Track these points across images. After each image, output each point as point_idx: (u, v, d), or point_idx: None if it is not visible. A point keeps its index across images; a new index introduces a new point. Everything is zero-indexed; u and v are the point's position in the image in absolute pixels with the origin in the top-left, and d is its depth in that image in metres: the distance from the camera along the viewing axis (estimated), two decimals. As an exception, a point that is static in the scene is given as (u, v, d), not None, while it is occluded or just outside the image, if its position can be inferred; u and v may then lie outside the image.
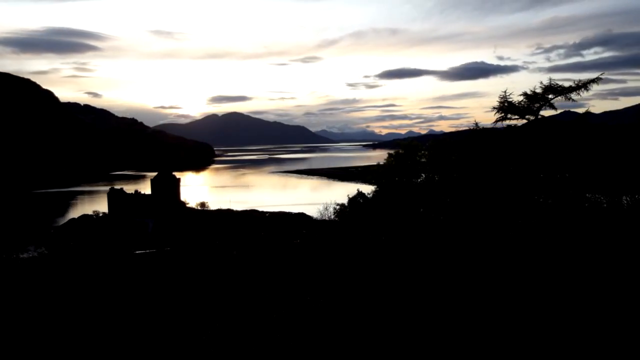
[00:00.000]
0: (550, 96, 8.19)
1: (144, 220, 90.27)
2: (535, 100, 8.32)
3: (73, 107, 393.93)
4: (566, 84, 7.89)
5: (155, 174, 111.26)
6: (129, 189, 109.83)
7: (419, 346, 7.09)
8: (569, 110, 9.56)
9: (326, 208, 24.15)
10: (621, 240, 7.30)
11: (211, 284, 18.28)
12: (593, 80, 7.63)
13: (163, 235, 76.03)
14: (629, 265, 7.02)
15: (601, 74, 7.53)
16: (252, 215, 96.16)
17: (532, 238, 8.27)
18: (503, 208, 9.01)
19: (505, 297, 7.49)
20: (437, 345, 6.95)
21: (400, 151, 12.68)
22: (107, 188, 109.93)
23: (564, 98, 8.13)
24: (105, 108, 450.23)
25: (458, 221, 9.92)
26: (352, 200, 15.84)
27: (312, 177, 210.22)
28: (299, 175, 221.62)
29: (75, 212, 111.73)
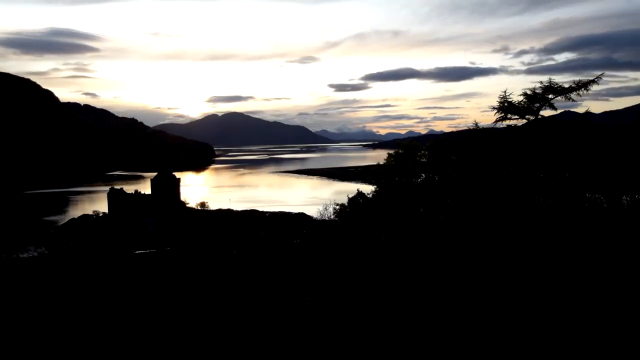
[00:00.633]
0: (550, 96, 8.18)
1: (144, 220, 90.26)
2: (535, 100, 8.31)
3: (73, 107, 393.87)
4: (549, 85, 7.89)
5: (151, 174, 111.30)
6: (129, 189, 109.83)
7: (419, 346, 7.09)
8: (569, 110, 9.56)
9: (326, 208, 24.16)
10: (621, 240, 7.29)
11: (211, 284, 18.28)
12: (593, 80, 7.63)
13: (163, 235, 76.03)
14: (629, 265, 7.02)
15: (601, 74, 7.53)
16: (252, 215, 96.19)
17: (532, 238, 8.26)
18: (503, 208, 9.01)
19: (506, 297, 7.49)
20: (438, 345, 6.95)
21: (400, 151, 12.68)
22: (107, 188, 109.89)
23: (563, 98, 8.13)
24: (105, 108, 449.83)
25: (458, 221, 9.92)
26: (352, 200, 15.84)
27: (312, 177, 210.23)
28: (298, 175, 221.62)
29: (75, 212, 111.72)
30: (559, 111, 8.47)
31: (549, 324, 6.52)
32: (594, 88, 7.53)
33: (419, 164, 12.10)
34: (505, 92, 8.64)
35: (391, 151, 13.45)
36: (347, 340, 7.61)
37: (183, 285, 19.35)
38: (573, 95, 7.94)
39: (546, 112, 8.47)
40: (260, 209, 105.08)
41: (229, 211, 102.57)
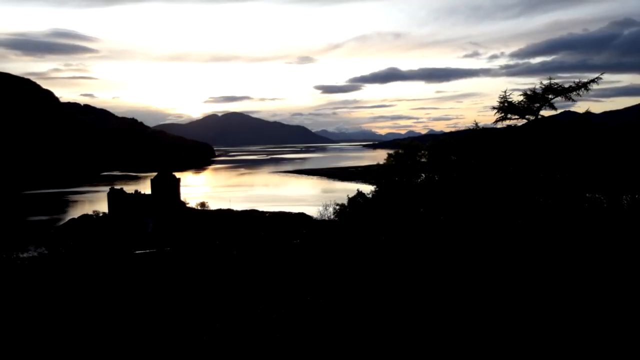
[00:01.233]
0: (550, 96, 8.18)
1: (144, 220, 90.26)
2: (535, 100, 8.31)
3: (73, 107, 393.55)
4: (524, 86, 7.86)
5: (149, 174, 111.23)
6: (129, 189, 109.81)
7: (419, 346, 7.09)
8: (569, 110, 9.56)
9: (326, 208, 24.14)
10: (621, 240, 7.29)
11: (211, 284, 18.27)
12: (593, 80, 7.62)
13: (163, 235, 76.02)
14: (629, 265, 7.02)
15: (601, 74, 7.53)
16: (252, 215, 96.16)
17: (532, 238, 8.26)
18: (503, 208, 9.01)
19: (506, 297, 7.49)
20: (437, 345, 6.95)
21: (400, 151, 12.68)
22: (107, 188, 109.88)
23: (563, 98, 8.13)
24: (107, 109, 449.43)
25: (458, 221, 9.91)
26: (352, 200, 15.83)
27: (312, 176, 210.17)
28: (298, 175, 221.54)
29: (75, 212, 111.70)
30: (559, 111, 8.47)
31: (549, 323, 6.52)
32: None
33: (419, 164, 12.10)
34: (505, 92, 8.64)
35: (391, 151, 13.44)
36: (347, 341, 7.61)
37: (183, 285, 19.35)
38: (573, 95, 7.93)
39: (546, 112, 8.47)
40: (260, 209, 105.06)
41: (229, 211, 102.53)
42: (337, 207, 17.49)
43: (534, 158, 8.49)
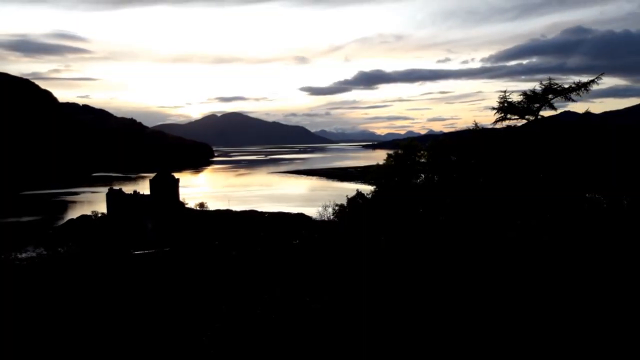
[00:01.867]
0: (550, 96, 8.17)
1: (142, 220, 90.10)
2: (534, 100, 8.30)
3: (71, 107, 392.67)
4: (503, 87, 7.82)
5: (146, 174, 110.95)
6: (128, 189, 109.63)
7: (418, 347, 7.07)
8: (569, 111, 9.55)
9: (325, 208, 24.12)
10: (621, 240, 7.28)
11: (210, 285, 18.24)
12: (593, 81, 7.61)
13: (162, 236, 75.90)
14: (629, 265, 7.01)
15: (601, 74, 7.52)
16: (251, 216, 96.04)
17: (531, 239, 8.25)
18: (503, 208, 8.99)
19: (506, 297, 7.47)
20: (437, 346, 6.93)
21: (400, 151, 12.66)
22: (105, 189, 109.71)
23: (563, 98, 8.12)
24: (107, 109, 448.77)
25: (457, 222, 9.90)
26: (351, 200, 15.79)
27: (311, 177, 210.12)
28: (298, 175, 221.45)
29: (73, 213, 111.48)
30: (558, 111, 8.46)
31: (549, 324, 6.50)
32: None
33: (419, 164, 12.08)
34: (505, 92, 8.63)
35: (391, 151, 13.42)
36: (346, 342, 7.58)
37: (182, 286, 19.31)
38: (573, 95, 7.92)
39: (546, 113, 8.46)
40: (259, 210, 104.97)
41: (228, 212, 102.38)
42: (337, 208, 17.46)
43: (533, 158, 8.48)
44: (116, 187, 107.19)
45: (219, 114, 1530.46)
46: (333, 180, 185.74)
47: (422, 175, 11.92)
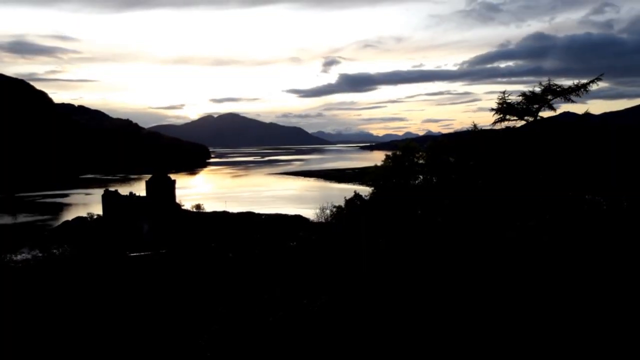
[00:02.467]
0: (549, 97, 8.13)
1: (138, 222, 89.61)
2: (534, 101, 8.25)
3: (67, 108, 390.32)
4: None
5: (143, 176, 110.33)
6: (123, 191, 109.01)
7: (417, 348, 7.01)
8: (568, 111, 9.52)
9: (323, 210, 24.02)
10: (621, 241, 7.25)
11: (207, 287, 18.10)
12: (592, 81, 7.58)
13: (158, 238, 75.50)
14: (629, 266, 6.97)
15: (601, 75, 7.48)
16: (248, 218, 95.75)
17: (531, 240, 8.20)
18: (502, 209, 8.95)
19: (504, 298, 7.42)
20: (435, 348, 6.87)
21: (398, 152, 12.60)
22: (101, 190, 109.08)
23: (562, 99, 8.08)
24: (104, 111, 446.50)
25: (456, 223, 9.84)
26: (349, 202, 15.72)
27: (308, 178, 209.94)
28: (295, 176, 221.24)
29: (69, 214, 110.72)
30: (558, 112, 8.42)
31: (548, 326, 6.45)
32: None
33: (417, 166, 12.03)
34: (504, 92, 8.58)
35: (389, 152, 13.37)
36: (344, 343, 7.51)
37: (179, 288, 19.15)
38: (572, 96, 7.88)
39: (545, 113, 8.41)
40: (257, 211, 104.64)
41: (225, 213, 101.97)
42: (334, 209, 17.38)
43: (533, 159, 8.44)
44: (112, 189, 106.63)
45: (215, 115, 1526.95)
46: (331, 182, 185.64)
47: (421, 177, 11.86)
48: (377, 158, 16.36)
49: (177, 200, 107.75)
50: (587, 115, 8.21)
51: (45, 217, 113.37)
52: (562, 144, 8.16)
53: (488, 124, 9.66)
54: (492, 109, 8.77)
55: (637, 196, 7.35)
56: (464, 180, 9.95)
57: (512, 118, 8.62)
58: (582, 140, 8.02)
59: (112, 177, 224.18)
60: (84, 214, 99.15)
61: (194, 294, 17.43)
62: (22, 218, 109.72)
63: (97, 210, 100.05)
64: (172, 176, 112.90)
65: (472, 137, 9.72)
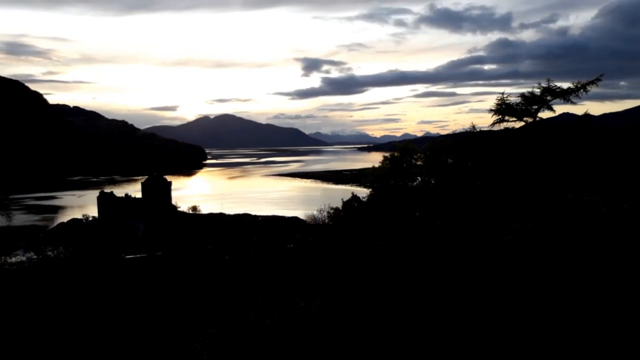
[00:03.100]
0: (548, 98, 8.07)
1: (134, 224, 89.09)
2: (533, 102, 8.20)
3: (62, 109, 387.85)
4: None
5: (138, 177, 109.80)
6: (119, 192, 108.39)
7: (415, 351, 6.93)
8: (568, 112, 9.48)
9: (320, 212, 23.93)
10: (621, 244, 7.20)
11: (203, 290, 17.95)
12: (592, 82, 7.53)
13: (154, 240, 75.10)
14: (628, 270, 6.92)
15: (601, 75, 7.44)
16: (244, 219, 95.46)
17: (529, 242, 8.14)
18: (500, 211, 8.89)
19: (503, 301, 7.35)
20: (434, 351, 6.79)
21: (396, 154, 12.53)
22: (96, 192, 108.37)
23: (562, 99, 8.03)
24: (100, 112, 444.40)
25: (455, 225, 9.78)
26: (346, 203, 15.63)
27: (306, 179, 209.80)
28: (292, 177, 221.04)
29: (64, 216, 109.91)
30: (557, 113, 8.37)
31: (546, 329, 6.39)
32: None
33: (415, 167, 11.96)
34: (503, 94, 8.52)
35: (386, 154, 13.29)
36: (341, 346, 7.42)
37: (174, 290, 18.99)
38: (572, 97, 7.83)
39: (544, 114, 8.35)
40: (253, 213, 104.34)
41: (221, 215, 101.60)
42: (332, 211, 17.29)
43: (532, 161, 8.38)
44: (107, 190, 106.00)
45: (212, 116, 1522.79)
46: (328, 183, 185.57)
47: (419, 178, 11.79)
48: (374, 159, 16.32)
49: (173, 202, 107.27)
50: (586, 116, 8.16)
51: (40, 218, 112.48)
52: (561, 145, 8.11)
53: (482, 124, 9.62)
54: (491, 110, 8.70)
55: (637, 198, 7.31)
56: (462, 182, 9.88)
57: (511, 119, 8.56)
58: (580, 142, 7.98)
59: (107, 178, 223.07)
60: (79, 216, 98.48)
61: (189, 297, 17.27)
62: (16, 220, 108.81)
63: (93, 211, 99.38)
64: (168, 177, 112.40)
65: (470, 138, 9.65)
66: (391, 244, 11.14)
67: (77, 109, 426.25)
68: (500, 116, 8.57)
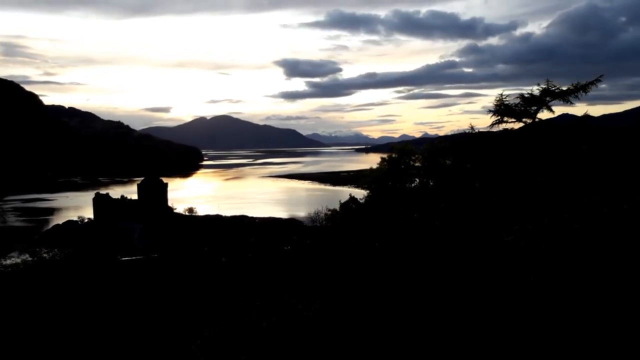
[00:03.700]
0: (547, 98, 8.05)
1: (130, 226, 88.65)
2: (532, 102, 8.17)
3: (57, 109, 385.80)
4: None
5: (135, 178, 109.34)
6: (115, 193, 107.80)
7: (412, 355, 6.85)
8: (567, 113, 9.48)
9: (317, 213, 23.85)
10: (621, 246, 7.17)
11: (200, 292, 17.82)
12: (592, 82, 7.51)
13: (150, 242, 74.74)
14: (628, 271, 6.89)
15: (601, 76, 7.42)
16: (241, 221, 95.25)
17: (529, 243, 8.10)
18: (499, 213, 8.85)
19: (501, 304, 7.30)
20: (434, 351, 6.72)
21: (394, 155, 12.48)
22: (92, 193, 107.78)
23: (561, 100, 8.01)
24: (94, 112, 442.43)
25: (453, 227, 9.73)
26: (344, 205, 15.57)
27: (303, 181, 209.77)
28: (289, 179, 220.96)
29: (59, 218, 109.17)
30: (556, 114, 8.35)
31: (546, 332, 6.34)
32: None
33: (413, 168, 11.91)
34: (501, 94, 8.49)
35: (384, 155, 13.24)
36: (339, 349, 7.35)
37: (171, 293, 18.84)
38: (571, 97, 7.81)
39: (544, 115, 8.33)
40: (250, 215, 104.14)
41: (218, 217, 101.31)
42: (329, 213, 17.23)
43: (531, 162, 8.35)
44: (103, 192, 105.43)
45: (208, 117, 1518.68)
46: (325, 184, 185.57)
47: (417, 180, 11.74)
48: (372, 160, 16.26)
49: (170, 204, 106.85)
50: (586, 116, 8.15)
51: (35, 220, 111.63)
52: (560, 145, 8.09)
53: (477, 125, 9.58)
54: (490, 111, 8.68)
55: (638, 200, 7.29)
56: (461, 183, 9.84)
57: (510, 120, 8.54)
58: (580, 142, 7.95)
59: (102, 179, 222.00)
60: (75, 217, 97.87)
61: (186, 299, 17.14)
62: (11, 221, 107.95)
63: (88, 213, 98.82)
64: (164, 179, 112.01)
65: (469, 139, 9.62)
66: (389, 245, 11.08)
67: (72, 110, 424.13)
68: (498, 117, 8.55)
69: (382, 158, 13.15)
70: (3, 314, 13.56)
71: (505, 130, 8.81)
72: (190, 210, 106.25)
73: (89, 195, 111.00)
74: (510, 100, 8.42)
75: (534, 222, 8.39)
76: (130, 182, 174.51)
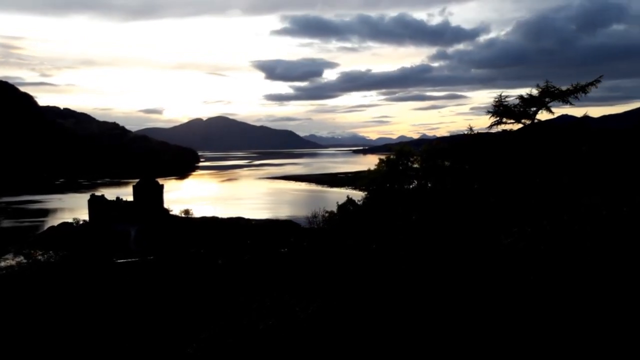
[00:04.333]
0: (547, 99, 8.01)
1: (126, 228, 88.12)
2: (531, 103, 8.14)
3: (52, 110, 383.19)
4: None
5: (130, 180, 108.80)
6: (110, 195, 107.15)
7: (411, 356, 6.78)
8: (566, 114, 9.46)
9: (315, 215, 23.76)
10: (620, 247, 7.14)
11: (196, 294, 17.67)
12: (591, 83, 7.49)
13: (146, 244, 74.34)
14: (628, 273, 6.85)
15: (600, 77, 7.40)
16: (238, 223, 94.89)
17: (528, 245, 8.06)
18: (498, 214, 8.81)
19: (500, 307, 7.24)
20: (433, 351, 6.65)
21: (392, 156, 12.42)
22: (87, 195, 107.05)
23: (561, 101, 7.98)
24: (90, 114, 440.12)
25: (452, 229, 9.68)
26: (341, 207, 15.49)
27: (300, 182, 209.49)
28: (286, 180, 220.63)
29: (54, 220, 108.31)
30: (556, 115, 8.31)
31: (544, 336, 6.28)
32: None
33: (411, 170, 11.86)
34: (501, 95, 8.46)
35: (382, 156, 13.18)
36: (336, 352, 7.26)
37: (167, 295, 18.68)
38: (571, 98, 7.78)
39: (543, 116, 8.30)
40: (247, 217, 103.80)
41: (214, 219, 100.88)
42: (326, 214, 17.14)
43: (530, 163, 8.31)
44: (98, 193, 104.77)
45: (205, 118, 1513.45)
46: (323, 186, 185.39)
47: (415, 181, 11.68)
48: (370, 162, 16.21)
49: (165, 205, 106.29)
50: (585, 118, 8.13)
51: (30, 222, 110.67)
52: (559, 147, 8.05)
53: (474, 126, 9.53)
54: (489, 112, 8.64)
55: (638, 201, 7.26)
56: (459, 184, 9.79)
57: (509, 121, 8.50)
58: (579, 143, 7.93)
59: (98, 181, 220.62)
60: (70, 219, 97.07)
61: (182, 302, 16.99)
62: (5, 223, 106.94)
63: (83, 215, 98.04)
64: (160, 180, 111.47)
65: (468, 140, 9.57)
66: (387, 247, 11.01)
67: (67, 111, 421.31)
68: (497, 118, 8.51)
69: (380, 159, 13.09)
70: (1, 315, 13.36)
71: (504, 131, 8.77)
72: (187, 212, 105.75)
73: (84, 197, 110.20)
74: (510, 101, 8.41)
75: (533, 224, 8.35)
76: (125, 183, 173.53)
